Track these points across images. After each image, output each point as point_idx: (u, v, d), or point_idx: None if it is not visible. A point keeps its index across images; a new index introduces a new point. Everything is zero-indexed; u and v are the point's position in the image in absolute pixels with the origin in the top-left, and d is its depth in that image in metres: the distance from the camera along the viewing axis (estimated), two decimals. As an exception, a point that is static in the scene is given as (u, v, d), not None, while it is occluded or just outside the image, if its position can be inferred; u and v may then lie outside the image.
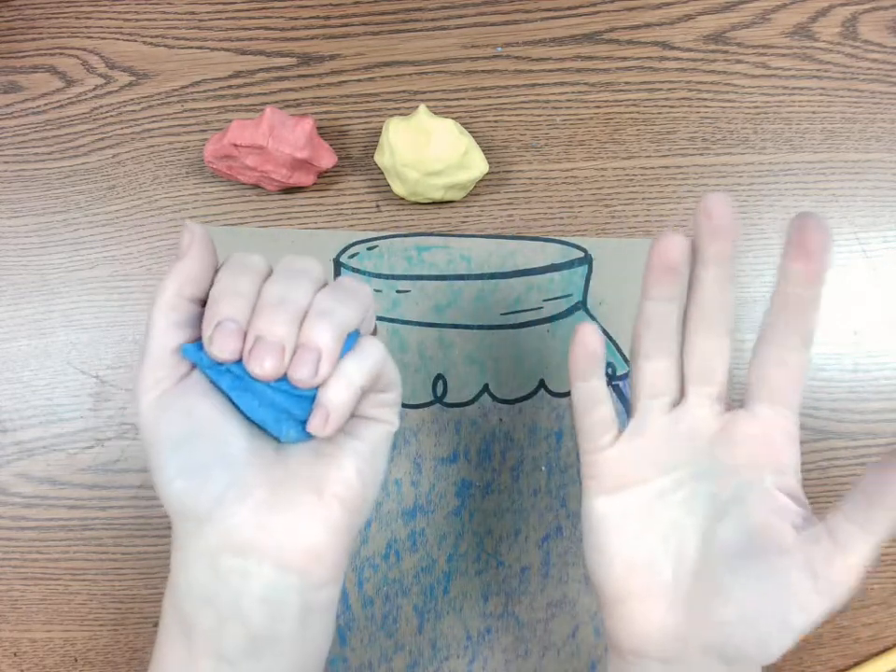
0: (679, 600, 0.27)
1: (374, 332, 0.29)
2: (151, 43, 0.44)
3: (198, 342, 0.26)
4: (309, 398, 0.25)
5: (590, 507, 0.29)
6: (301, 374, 0.24)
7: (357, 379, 0.25)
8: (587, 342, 0.28)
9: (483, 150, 0.42)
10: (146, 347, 0.26)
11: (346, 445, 0.27)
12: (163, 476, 0.25)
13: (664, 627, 0.27)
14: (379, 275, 0.42)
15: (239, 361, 0.25)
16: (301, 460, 0.26)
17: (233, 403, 0.26)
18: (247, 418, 0.26)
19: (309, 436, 0.26)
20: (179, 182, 0.43)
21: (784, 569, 0.26)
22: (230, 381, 0.25)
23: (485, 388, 0.42)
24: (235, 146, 0.39)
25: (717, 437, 0.28)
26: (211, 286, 0.26)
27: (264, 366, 0.24)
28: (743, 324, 0.42)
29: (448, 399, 0.42)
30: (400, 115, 0.42)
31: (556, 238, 0.43)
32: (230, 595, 0.25)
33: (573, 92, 0.44)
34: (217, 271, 0.27)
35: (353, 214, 0.43)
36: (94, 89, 0.44)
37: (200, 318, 0.26)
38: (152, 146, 0.44)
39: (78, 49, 0.44)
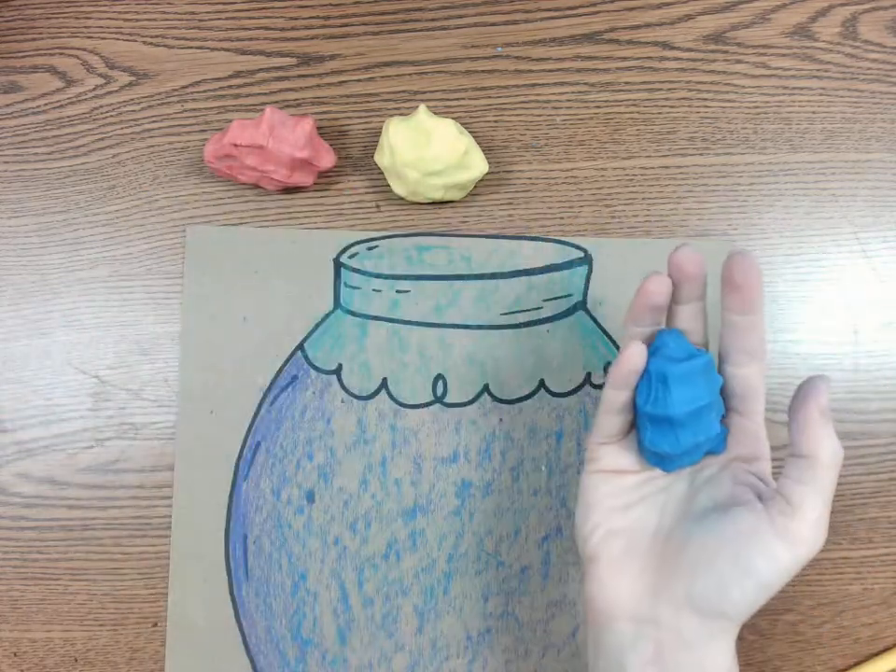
0: (651, 560, 0.30)
1: None
2: (151, 43, 0.44)
3: None
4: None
5: (586, 482, 0.33)
6: None
7: None
8: (632, 359, 0.29)
9: (483, 150, 0.42)
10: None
11: None
12: None
13: (634, 584, 0.30)
14: (379, 275, 0.42)
15: None
16: None
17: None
18: None
19: None
20: (179, 182, 0.43)
21: (744, 517, 0.28)
22: None
23: (485, 388, 0.42)
24: (235, 145, 0.39)
25: None
26: None
27: None
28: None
29: (448, 399, 0.42)
30: (400, 115, 0.42)
31: (556, 238, 0.43)
32: None
33: (573, 92, 0.44)
34: None
35: (353, 214, 0.43)
36: (94, 89, 0.44)
37: None
38: (152, 146, 0.44)
39: (78, 49, 0.44)
